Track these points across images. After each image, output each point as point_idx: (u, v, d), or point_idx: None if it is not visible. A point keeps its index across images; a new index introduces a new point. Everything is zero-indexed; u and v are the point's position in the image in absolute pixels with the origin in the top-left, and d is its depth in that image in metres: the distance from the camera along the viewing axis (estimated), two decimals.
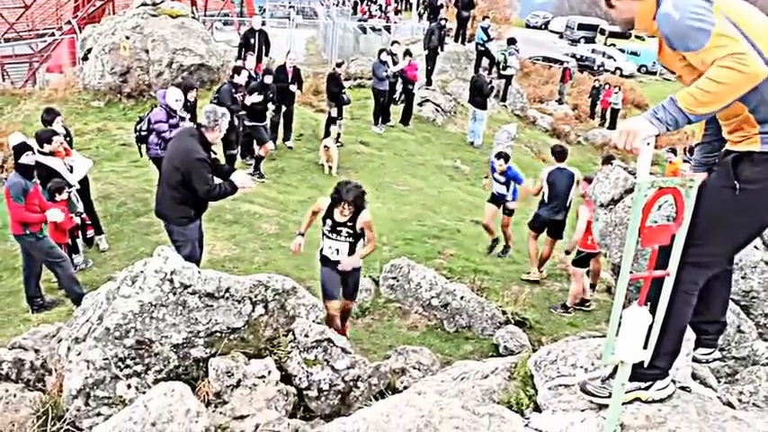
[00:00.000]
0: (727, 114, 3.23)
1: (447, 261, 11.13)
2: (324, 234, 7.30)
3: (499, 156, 11.58)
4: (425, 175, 17.01)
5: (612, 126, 28.53)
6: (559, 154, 10.68)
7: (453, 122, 22.08)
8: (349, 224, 7.14)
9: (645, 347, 3.22)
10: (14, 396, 5.16)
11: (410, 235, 12.20)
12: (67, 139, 10.24)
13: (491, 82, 20.48)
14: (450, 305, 8.93)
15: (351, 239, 7.22)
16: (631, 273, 3.05)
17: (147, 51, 18.37)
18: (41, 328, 6.59)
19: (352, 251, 7.27)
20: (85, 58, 19.75)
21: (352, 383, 5.69)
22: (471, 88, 20.14)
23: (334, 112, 16.58)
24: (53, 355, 5.71)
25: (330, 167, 15.23)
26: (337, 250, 7.23)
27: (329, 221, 7.19)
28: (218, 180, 7.46)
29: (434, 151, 19.16)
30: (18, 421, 4.85)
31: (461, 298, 9.00)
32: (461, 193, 16.34)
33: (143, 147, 10.96)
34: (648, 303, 3.17)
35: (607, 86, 31.49)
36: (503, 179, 11.44)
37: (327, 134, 16.13)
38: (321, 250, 7.40)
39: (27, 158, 8.46)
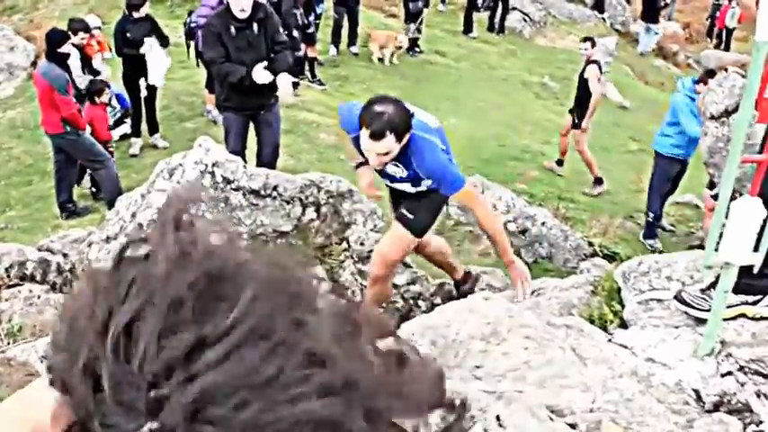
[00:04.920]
0: None
1: (528, 185, 10.97)
2: None
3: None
4: (508, 91, 16.69)
5: (727, 48, 27.50)
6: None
7: (543, 35, 21.58)
8: None
9: (756, 250, 3.07)
10: (38, 297, 5.25)
11: (487, 155, 12.04)
12: None
13: None
14: (528, 231, 8.77)
15: None
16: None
17: None
18: (71, 232, 6.70)
19: None
20: None
21: (412, 301, 5.66)
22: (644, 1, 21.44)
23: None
24: (82, 260, 5.79)
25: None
26: None
27: None
28: None
29: (519, 66, 18.77)
30: (42, 322, 4.95)
31: (542, 224, 8.82)
32: (548, 112, 15.98)
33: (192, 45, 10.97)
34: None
35: (727, 1, 30.24)
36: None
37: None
38: None
39: (64, 48, 8.59)
